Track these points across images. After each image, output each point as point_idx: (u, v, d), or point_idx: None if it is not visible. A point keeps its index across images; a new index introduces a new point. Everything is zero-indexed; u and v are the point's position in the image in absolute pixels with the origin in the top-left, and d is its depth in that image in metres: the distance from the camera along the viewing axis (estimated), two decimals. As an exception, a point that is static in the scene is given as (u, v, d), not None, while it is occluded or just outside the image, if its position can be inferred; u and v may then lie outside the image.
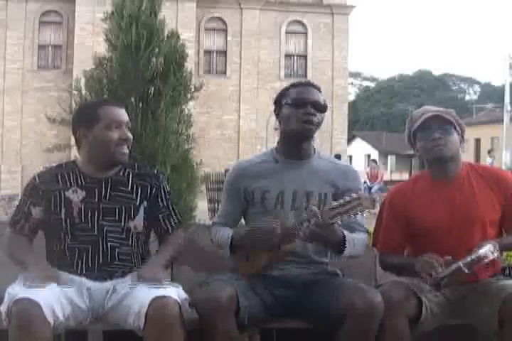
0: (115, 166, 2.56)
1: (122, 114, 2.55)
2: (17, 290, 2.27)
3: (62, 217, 2.49)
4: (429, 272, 2.40)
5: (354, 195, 2.36)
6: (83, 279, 2.45)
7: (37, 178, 2.57)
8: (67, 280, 2.40)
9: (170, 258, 2.59)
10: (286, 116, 2.62)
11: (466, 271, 2.36)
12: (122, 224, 2.52)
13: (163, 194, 2.62)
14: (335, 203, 2.37)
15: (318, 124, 2.62)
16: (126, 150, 2.52)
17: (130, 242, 2.54)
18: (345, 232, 2.48)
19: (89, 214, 2.49)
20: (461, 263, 2.36)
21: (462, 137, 2.66)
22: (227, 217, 2.74)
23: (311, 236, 2.39)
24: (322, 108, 2.62)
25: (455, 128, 2.61)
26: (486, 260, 2.39)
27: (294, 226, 2.45)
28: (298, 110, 2.58)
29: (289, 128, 2.61)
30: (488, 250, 2.39)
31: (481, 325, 2.50)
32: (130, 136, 2.53)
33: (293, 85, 2.69)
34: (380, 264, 2.81)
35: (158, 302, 2.24)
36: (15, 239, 2.57)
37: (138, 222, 2.54)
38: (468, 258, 2.37)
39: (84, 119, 2.54)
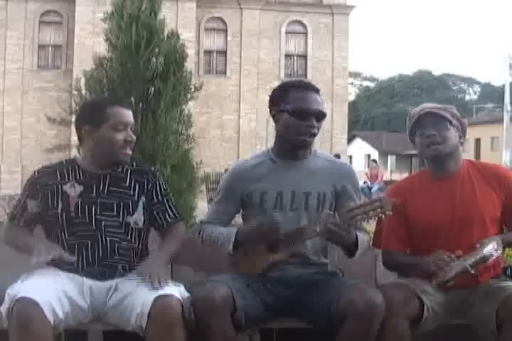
0: (116, 165, 2.58)
1: (129, 116, 2.57)
2: (17, 290, 2.27)
3: (59, 211, 2.51)
4: (443, 269, 2.38)
5: (374, 197, 2.35)
6: (84, 278, 2.46)
7: (36, 173, 2.60)
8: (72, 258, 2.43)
9: (170, 255, 2.58)
10: (285, 125, 2.56)
11: (473, 271, 2.35)
12: (121, 219, 2.53)
13: (158, 190, 2.63)
14: (353, 204, 2.37)
15: (317, 133, 2.59)
16: (129, 152, 2.55)
17: (129, 237, 2.54)
18: (357, 234, 2.49)
19: (87, 209, 2.51)
20: (467, 265, 2.35)
21: (463, 133, 2.65)
22: (218, 217, 2.71)
23: (328, 234, 2.39)
24: (323, 117, 2.58)
25: (451, 124, 2.61)
26: (491, 259, 2.38)
27: (306, 226, 2.45)
28: (299, 122, 2.52)
29: (288, 138, 2.57)
30: (492, 248, 2.38)
31: (480, 325, 2.49)
32: (134, 137, 2.56)
33: (293, 87, 2.60)
34: (383, 263, 2.80)
35: (161, 302, 2.24)
36: (13, 230, 2.60)
37: (138, 218, 2.56)
38: (473, 259, 2.36)
39: (91, 117, 2.54)
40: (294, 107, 2.54)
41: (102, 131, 2.51)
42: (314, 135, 2.57)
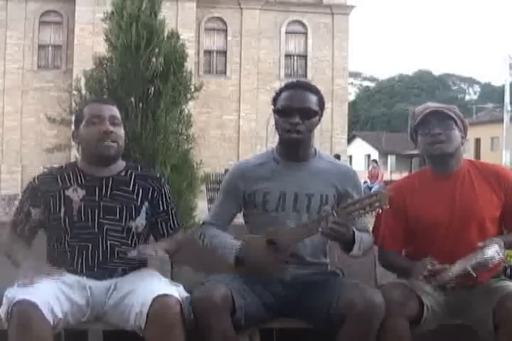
0: (106, 161, 2.56)
1: (104, 109, 2.55)
2: (14, 292, 2.27)
3: (62, 215, 2.50)
4: (422, 273, 2.39)
5: (371, 192, 2.35)
6: (84, 278, 2.46)
7: (36, 180, 2.59)
8: (63, 273, 2.42)
9: (169, 247, 2.57)
10: (276, 123, 2.62)
11: (474, 274, 2.33)
12: (123, 223, 2.52)
13: (164, 198, 2.63)
14: (349, 200, 2.38)
15: (308, 130, 2.58)
16: (109, 144, 2.51)
17: (130, 242, 2.54)
18: (354, 230, 2.48)
19: (89, 213, 2.50)
20: (468, 267, 2.34)
21: (464, 133, 2.65)
22: (220, 217, 2.72)
23: (331, 233, 2.38)
24: (312, 114, 2.57)
25: (456, 124, 2.61)
26: (494, 262, 2.37)
27: (308, 224, 2.45)
28: (284, 119, 2.56)
29: (279, 136, 2.62)
30: (494, 252, 2.36)
31: (479, 325, 2.49)
32: (112, 129, 2.51)
33: (286, 87, 2.65)
34: (379, 260, 2.81)
35: (160, 301, 2.24)
36: (14, 241, 2.59)
37: (140, 223, 2.56)
38: (475, 261, 2.35)
39: (75, 120, 2.61)
40: (279, 105, 2.59)
41: (81, 130, 2.54)
42: (300, 132, 2.54)
